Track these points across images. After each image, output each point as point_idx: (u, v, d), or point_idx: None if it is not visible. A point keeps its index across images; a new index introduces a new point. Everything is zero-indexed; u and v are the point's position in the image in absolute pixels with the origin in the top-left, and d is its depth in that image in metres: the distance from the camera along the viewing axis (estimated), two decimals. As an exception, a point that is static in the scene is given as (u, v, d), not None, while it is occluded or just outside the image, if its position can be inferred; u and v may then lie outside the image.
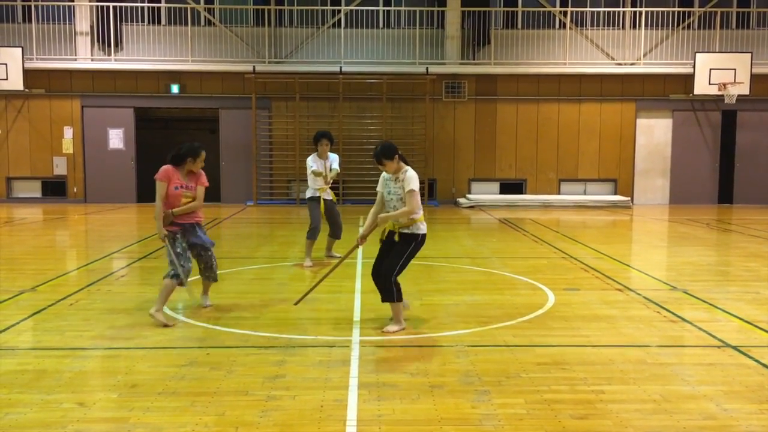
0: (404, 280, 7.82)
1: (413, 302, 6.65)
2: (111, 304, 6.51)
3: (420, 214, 5.55)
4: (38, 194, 18.66)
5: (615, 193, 18.92)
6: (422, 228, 5.58)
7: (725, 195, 19.07)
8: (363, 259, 9.19)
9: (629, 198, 18.56)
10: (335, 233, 9.08)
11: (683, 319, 6.01)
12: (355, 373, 4.51)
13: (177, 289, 5.89)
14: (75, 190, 18.47)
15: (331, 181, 8.88)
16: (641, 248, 11.34)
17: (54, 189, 18.66)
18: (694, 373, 4.57)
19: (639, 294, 7.06)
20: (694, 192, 18.95)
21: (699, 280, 7.93)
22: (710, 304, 6.61)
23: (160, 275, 7.93)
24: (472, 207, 17.70)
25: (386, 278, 5.52)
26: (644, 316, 6.11)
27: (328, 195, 8.95)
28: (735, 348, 5.14)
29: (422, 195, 18.25)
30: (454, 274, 8.23)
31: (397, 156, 5.50)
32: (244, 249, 10.49)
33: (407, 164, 5.61)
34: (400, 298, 5.52)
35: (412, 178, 5.48)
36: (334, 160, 8.94)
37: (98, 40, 18.23)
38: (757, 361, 4.83)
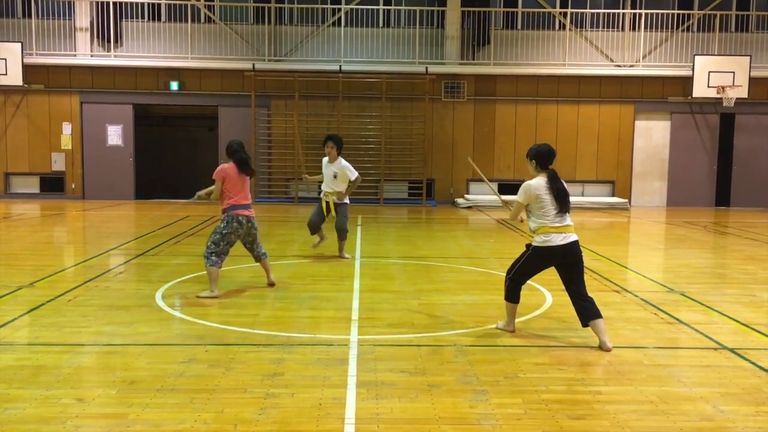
0: (402, 279, 7.88)
1: (411, 302, 6.67)
2: (109, 300, 6.51)
3: None
4: (36, 190, 18.64)
5: (613, 195, 18.95)
6: None
7: (722, 198, 19.11)
8: (361, 259, 9.21)
9: (627, 200, 18.59)
10: (338, 235, 9.15)
11: (680, 321, 6.03)
12: (354, 371, 4.52)
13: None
14: (73, 186, 18.46)
15: (339, 191, 9.02)
16: (638, 250, 11.37)
17: (52, 185, 18.63)
18: (690, 375, 4.59)
19: (636, 296, 7.08)
20: (692, 195, 18.99)
21: (696, 282, 7.95)
22: (707, 307, 6.63)
23: (158, 272, 7.98)
24: (470, 207, 17.72)
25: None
26: (641, 318, 6.14)
27: (337, 199, 9.05)
28: (731, 350, 5.16)
29: (420, 195, 18.32)
30: (452, 274, 8.25)
31: None
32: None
33: None
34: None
35: None
36: (345, 168, 8.99)
37: (98, 36, 18.22)
38: (753, 363, 4.85)
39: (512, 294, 5.49)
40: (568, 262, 5.28)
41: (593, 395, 4.18)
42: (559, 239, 5.20)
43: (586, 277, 8.02)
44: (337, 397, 4.06)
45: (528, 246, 5.42)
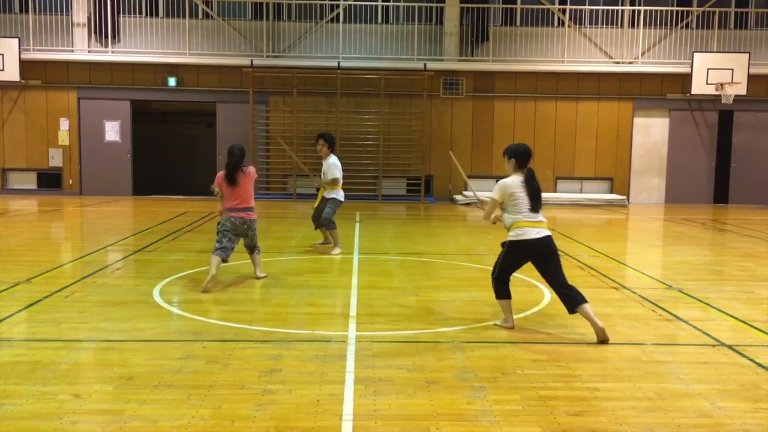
0: (400, 276, 7.87)
1: (409, 298, 6.66)
2: (107, 296, 6.50)
3: None
4: (34, 186, 18.59)
5: (611, 192, 18.95)
6: None
7: (721, 195, 19.12)
8: (359, 255, 9.20)
9: (625, 197, 18.58)
10: (325, 226, 9.44)
11: (678, 318, 6.03)
12: (352, 367, 4.52)
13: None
14: (71, 182, 18.42)
15: (323, 184, 9.36)
16: (637, 247, 11.37)
17: (50, 181, 18.58)
18: (688, 372, 4.59)
19: (634, 292, 7.08)
20: (690, 191, 18.99)
21: (694, 279, 7.96)
22: (705, 303, 6.63)
23: (156, 268, 7.97)
24: (468, 204, 17.71)
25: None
26: (639, 315, 6.14)
27: (327, 194, 9.32)
28: (729, 347, 5.16)
29: (418, 191, 18.31)
30: (451, 271, 8.24)
31: None
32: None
33: None
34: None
35: None
36: (330, 165, 9.25)
37: (95, 32, 18.15)
38: (751, 360, 4.85)
39: (501, 291, 5.56)
40: (542, 256, 5.40)
41: (591, 392, 4.17)
42: (533, 233, 5.34)
43: (583, 273, 8.07)
44: (334, 394, 4.05)
45: (503, 244, 5.53)
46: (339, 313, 6.05)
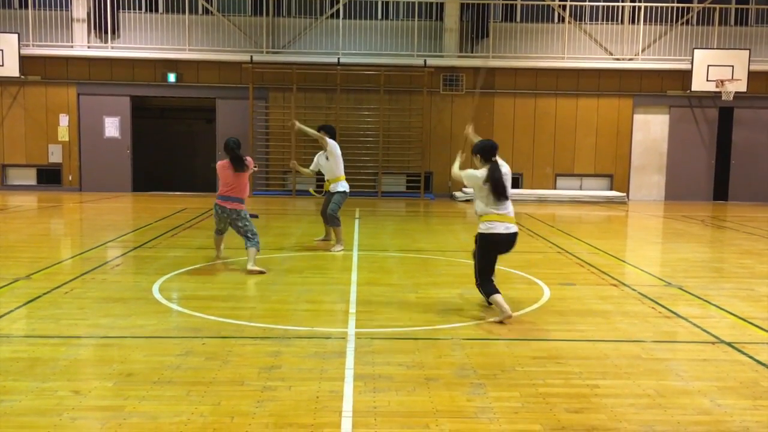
0: (399, 272, 7.88)
1: (409, 295, 6.66)
2: (106, 292, 6.50)
3: None
4: (33, 182, 18.58)
5: (611, 189, 18.94)
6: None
7: (721, 192, 19.11)
8: (359, 252, 9.20)
9: (625, 194, 18.58)
10: (325, 221, 9.57)
11: (678, 315, 6.03)
12: (351, 364, 4.51)
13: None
14: (70, 178, 18.40)
15: (336, 177, 9.34)
16: (636, 244, 11.37)
17: (49, 177, 18.57)
18: (688, 369, 4.59)
19: (634, 289, 7.08)
20: (690, 189, 18.99)
21: (694, 276, 7.95)
22: (705, 301, 6.63)
23: (155, 264, 7.96)
24: (468, 201, 17.70)
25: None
26: (639, 312, 6.13)
27: (333, 187, 9.36)
28: (729, 344, 5.16)
29: (418, 188, 18.30)
30: (450, 268, 8.24)
31: None
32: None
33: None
34: None
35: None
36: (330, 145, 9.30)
37: (95, 28, 18.12)
38: (750, 357, 4.85)
39: (488, 290, 5.73)
40: (505, 251, 5.77)
41: (591, 389, 4.17)
42: (502, 228, 5.68)
43: (583, 270, 8.09)
44: (334, 390, 4.05)
45: (476, 239, 5.84)
46: (338, 309, 6.04)
